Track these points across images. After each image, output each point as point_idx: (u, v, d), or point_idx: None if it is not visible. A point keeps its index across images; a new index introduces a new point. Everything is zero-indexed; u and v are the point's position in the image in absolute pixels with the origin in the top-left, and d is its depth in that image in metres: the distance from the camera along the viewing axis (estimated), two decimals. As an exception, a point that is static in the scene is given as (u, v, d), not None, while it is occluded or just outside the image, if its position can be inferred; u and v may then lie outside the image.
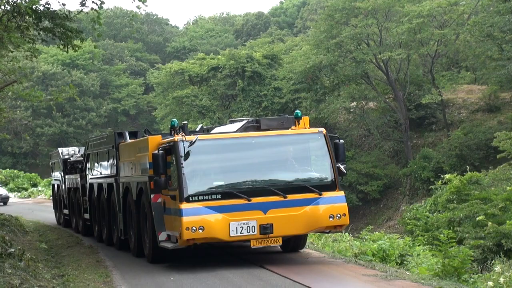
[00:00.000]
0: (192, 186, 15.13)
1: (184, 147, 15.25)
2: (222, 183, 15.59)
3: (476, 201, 28.96)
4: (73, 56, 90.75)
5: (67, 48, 19.06)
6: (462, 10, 53.24)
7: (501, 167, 38.47)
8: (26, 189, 59.16)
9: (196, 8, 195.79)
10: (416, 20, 51.37)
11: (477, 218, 26.92)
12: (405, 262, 17.27)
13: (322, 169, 16.31)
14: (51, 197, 35.31)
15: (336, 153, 16.38)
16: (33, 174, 65.04)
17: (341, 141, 16.78)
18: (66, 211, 29.19)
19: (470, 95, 57.20)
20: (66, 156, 29.14)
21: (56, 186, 31.93)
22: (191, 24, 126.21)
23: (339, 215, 15.66)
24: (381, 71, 56.99)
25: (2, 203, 45.78)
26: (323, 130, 16.45)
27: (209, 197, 15.18)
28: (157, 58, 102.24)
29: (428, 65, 56.12)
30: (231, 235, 15.03)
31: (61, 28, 18.31)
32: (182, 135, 15.51)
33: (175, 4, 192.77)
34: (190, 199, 15.03)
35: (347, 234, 21.61)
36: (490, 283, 13.54)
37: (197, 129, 19.86)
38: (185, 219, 14.79)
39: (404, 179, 53.40)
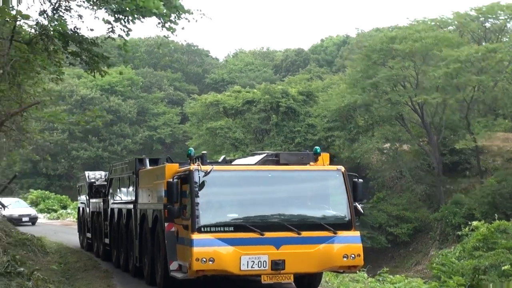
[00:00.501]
0: (204, 217, 14.90)
1: (199, 176, 15.06)
2: (235, 215, 15.33)
3: (503, 250, 28.60)
4: (112, 82, 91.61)
5: (94, 73, 19.21)
6: (500, 57, 52.90)
7: (530, 217, 38.04)
8: (55, 211, 59.61)
9: (237, 41, 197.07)
10: (454, 65, 51.26)
11: (503, 268, 26.54)
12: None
13: (338, 208, 15.96)
14: (77, 219, 35.45)
15: (354, 192, 16.07)
16: (63, 196, 65.54)
17: (360, 180, 16.42)
18: (89, 235, 29.21)
19: (506, 143, 56.80)
20: (92, 180, 29.23)
21: (81, 209, 32.05)
22: (231, 56, 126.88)
23: (353, 256, 15.31)
24: (416, 114, 56.75)
25: (30, 223, 46.16)
26: (342, 168, 16.17)
27: (222, 228, 14.91)
28: (195, 89, 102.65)
29: (465, 110, 55.76)
30: (241, 268, 14.75)
31: (88, 53, 18.47)
32: (198, 165, 15.32)
33: (217, 37, 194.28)
34: (202, 229, 14.77)
35: (365, 274, 21.29)
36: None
37: (219, 160, 19.81)
38: (196, 249, 14.54)
39: (435, 224, 52.97)
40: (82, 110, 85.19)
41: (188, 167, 15.52)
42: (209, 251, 14.59)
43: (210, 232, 14.80)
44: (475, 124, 54.79)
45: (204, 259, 14.50)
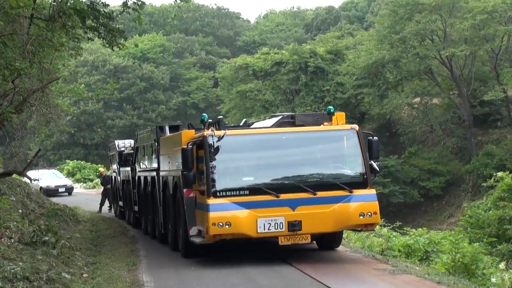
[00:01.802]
0: (219, 181, 15.19)
1: (213, 141, 15.33)
2: (250, 178, 15.59)
3: (528, 200, 28.83)
4: (144, 49, 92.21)
5: (112, 46, 19.80)
6: (527, 7, 52.45)
7: (558, 166, 38.09)
8: (91, 180, 60.69)
9: (268, 1, 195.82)
10: (480, 16, 50.91)
11: (528, 217, 26.82)
12: (430, 258, 17.42)
13: (353, 166, 16.07)
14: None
15: (370, 150, 16.16)
16: (99, 165, 66.59)
17: (375, 138, 16.50)
18: (121, 203, 29.79)
19: (537, 92, 56.35)
20: (122, 149, 29.66)
21: (113, 178, 32.67)
22: (262, 18, 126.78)
23: (369, 214, 15.41)
24: (445, 67, 56.62)
25: (67, 193, 47.30)
26: (356, 126, 16.26)
27: (237, 192, 15.20)
28: (227, 52, 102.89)
29: (494, 61, 55.47)
30: (258, 231, 15.01)
31: (105, 28, 19.05)
32: (211, 130, 15.54)
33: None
34: (218, 194, 15.07)
35: (385, 229, 21.70)
36: (493, 280, 13.75)
37: (241, 124, 20.12)
38: (212, 214, 14.83)
39: (467, 176, 53.05)
40: (116, 79, 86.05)
41: (202, 132, 15.79)
42: (225, 215, 14.88)
43: (226, 196, 15.11)
44: (504, 74, 54.49)
45: (221, 223, 14.80)
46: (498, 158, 49.19)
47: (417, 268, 14.66)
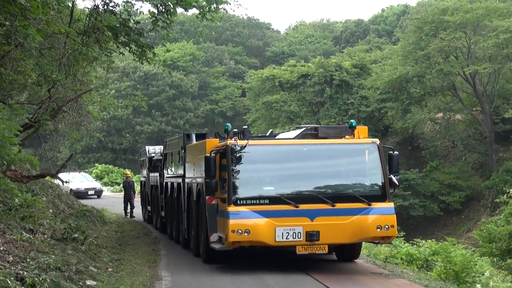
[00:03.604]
0: (240, 190, 15.85)
1: (235, 151, 15.99)
2: (271, 188, 16.17)
3: (538, 216, 29.68)
4: (174, 58, 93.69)
5: (141, 60, 21.19)
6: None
7: None
8: (119, 184, 62.00)
9: (298, 13, 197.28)
10: (504, 35, 51.82)
11: (538, 233, 27.65)
12: (430, 266, 18.48)
13: (373, 180, 16.44)
14: (140, 193, 36.94)
15: (390, 165, 16.61)
16: (126, 169, 67.98)
17: (395, 152, 16.87)
18: (149, 208, 30.66)
19: (559, 111, 56.95)
20: (152, 154, 30.31)
21: (143, 182, 33.40)
22: (292, 29, 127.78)
23: (387, 226, 15.75)
24: (468, 84, 57.49)
25: (96, 196, 48.81)
26: (377, 141, 16.76)
27: (257, 201, 15.77)
28: (256, 62, 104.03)
29: (517, 79, 56.36)
30: (276, 240, 15.46)
31: (135, 43, 20.43)
32: (234, 140, 16.25)
33: (278, 9, 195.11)
34: (238, 202, 15.68)
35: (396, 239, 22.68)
36: (478, 286, 14.81)
37: (267, 134, 20.71)
38: (232, 222, 15.43)
39: (487, 192, 53.85)
40: (145, 85, 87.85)
41: (225, 142, 16.44)
42: (245, 223, 15.45)
43: (246, 204, 15.69)
44: (526, 92, 55.37)
45: (240, 231, 15.38)
46: (517, 175, 50.03)
47: (411, 274, 15.72)
